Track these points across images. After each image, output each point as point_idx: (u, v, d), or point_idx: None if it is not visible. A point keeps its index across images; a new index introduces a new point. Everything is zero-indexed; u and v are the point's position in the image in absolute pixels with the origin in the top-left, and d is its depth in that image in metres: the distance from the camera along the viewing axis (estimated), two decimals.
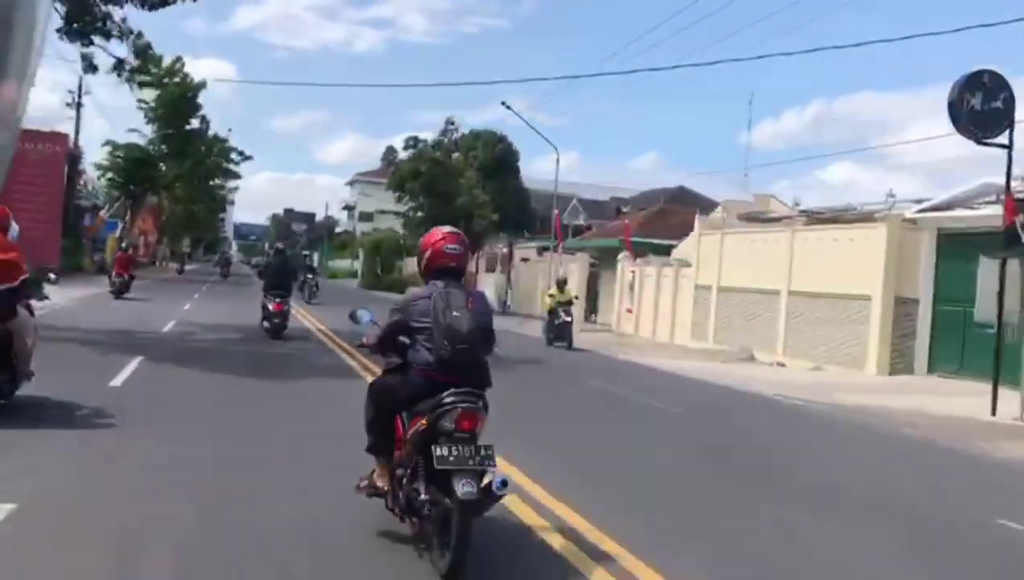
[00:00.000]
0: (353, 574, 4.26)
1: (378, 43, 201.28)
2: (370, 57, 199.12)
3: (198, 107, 47.35)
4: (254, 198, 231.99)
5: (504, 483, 4.07)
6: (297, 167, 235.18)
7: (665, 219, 33.44)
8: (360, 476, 4.84)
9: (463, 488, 3.88)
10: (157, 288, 31.97)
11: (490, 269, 41.48)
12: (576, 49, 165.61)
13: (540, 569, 4.50)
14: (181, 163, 48.13)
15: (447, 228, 4.76)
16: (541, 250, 37.04)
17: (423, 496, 4.13)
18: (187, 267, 61.82)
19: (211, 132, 49.70)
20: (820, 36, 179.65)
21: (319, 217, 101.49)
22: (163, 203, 61.37)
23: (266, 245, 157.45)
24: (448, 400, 4.14)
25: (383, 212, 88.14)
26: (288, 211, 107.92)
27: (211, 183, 56.37)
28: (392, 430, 4.54)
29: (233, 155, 52.67)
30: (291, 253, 34.75)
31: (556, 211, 32.88)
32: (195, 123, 47.81)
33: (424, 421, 4.18)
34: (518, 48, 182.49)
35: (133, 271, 27.22)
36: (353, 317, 5.20)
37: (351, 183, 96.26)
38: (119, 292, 24.82)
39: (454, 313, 4.25)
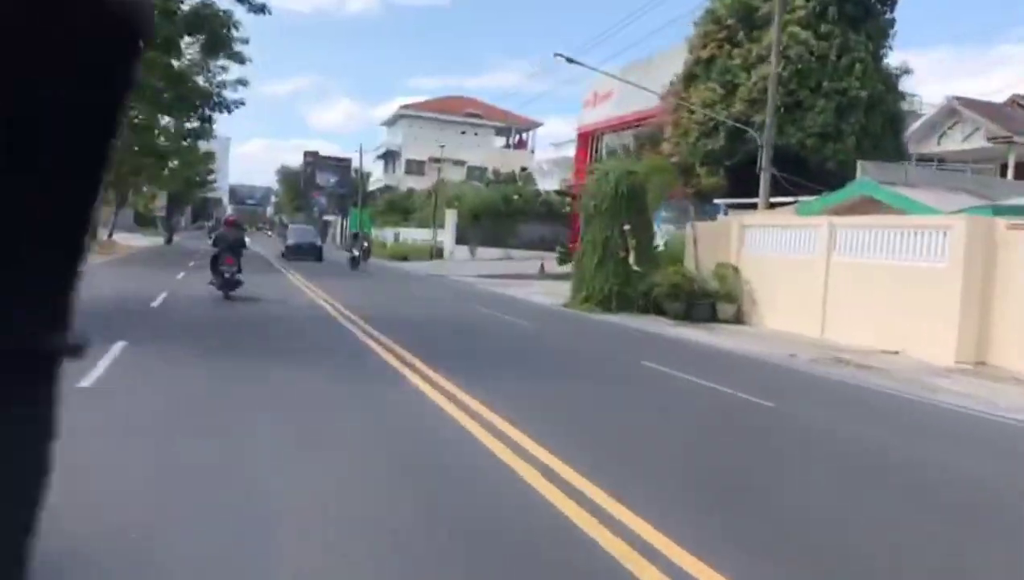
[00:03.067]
0: None
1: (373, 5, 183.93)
2: (363, 19, 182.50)
3: None
4: (246, 164, 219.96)
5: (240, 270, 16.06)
6: (291, 133, 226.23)
7: None
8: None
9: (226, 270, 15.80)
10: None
11: None
12: None
13: None
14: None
15: None
16: None
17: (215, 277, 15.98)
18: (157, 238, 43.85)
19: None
20: None
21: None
22: None
23: (268, 210, 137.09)
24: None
25: (438, 161, 70.43)
26: (312, 155, 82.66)
27: (192, 117, 33.38)
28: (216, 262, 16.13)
29: (225, 72, 31.07)
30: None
31: None
32: None
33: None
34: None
35: None
36: None
37: (393, 121, 77.75)
38: None
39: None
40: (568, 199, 47.14)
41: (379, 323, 12.57)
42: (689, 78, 23.76)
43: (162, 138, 39.63)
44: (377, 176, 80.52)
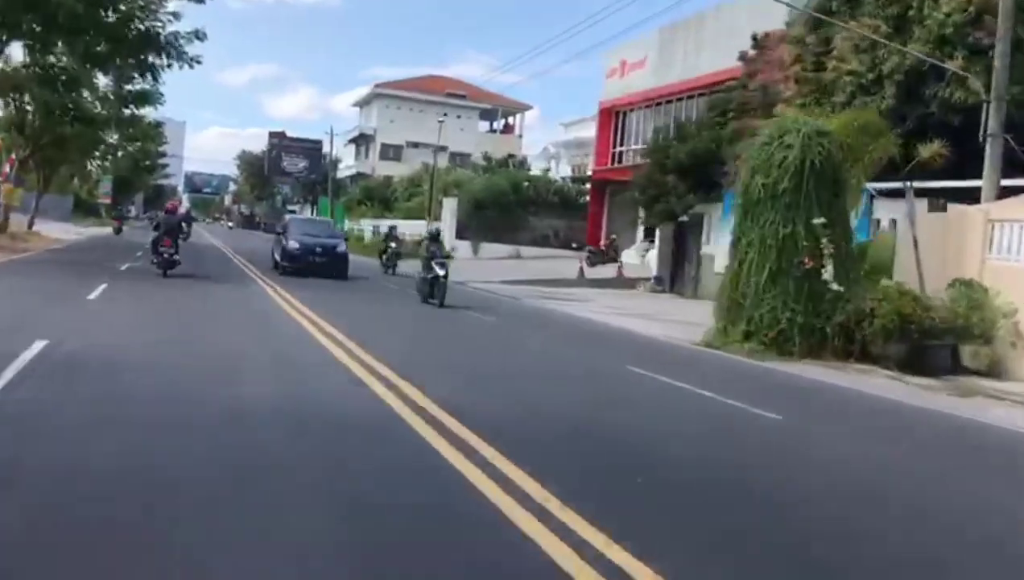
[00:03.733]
0: None
1: None
2: (324, 7, 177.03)
3: None
4: (203, 154, 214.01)
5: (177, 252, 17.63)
6: (249, 121, 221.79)
7: None
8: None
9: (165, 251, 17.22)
10: None
11: None
12: None
13: None
14: None
15: None
16: None
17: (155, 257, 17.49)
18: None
19: None
20: None
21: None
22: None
23: (226, 199, 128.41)
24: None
25: (417, 145, 63.30)
26: (278, 136, 72.21)
27: (132, 72, 24.96)
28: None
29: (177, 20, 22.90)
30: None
31: None
32: None
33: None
34: None
35: None
36: None
37: (367, 101, 69.97)
38: None
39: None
40: (586, 187, 40.51)
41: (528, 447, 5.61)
42: (816, 21, 16.98)
43: (97, 105, 31.76)
44: (348, 162, 72.80)
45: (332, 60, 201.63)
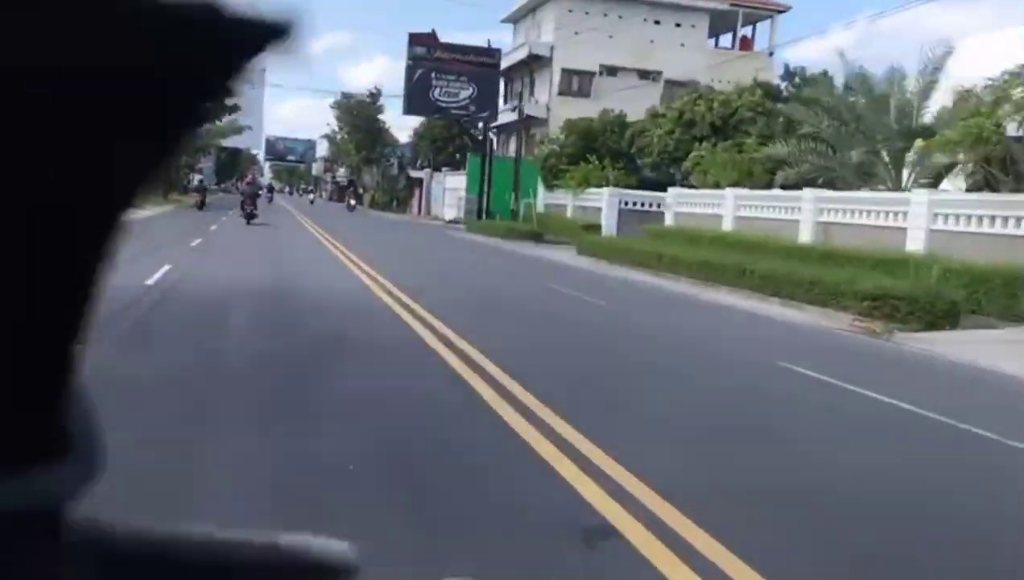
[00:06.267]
0: None
1: None
2: None
3: None
4: (287, 125, 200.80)
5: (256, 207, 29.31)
6: (329, 92, 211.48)
7: None
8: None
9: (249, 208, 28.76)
10: None
11: None
12: None
13: None
14: None
15: None
16: None
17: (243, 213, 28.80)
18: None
19: None
20: None
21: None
22: None
23: (314, 168, 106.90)
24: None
25: (614, 71, 40.45)
26: (426, 41, 42.77)
27: None
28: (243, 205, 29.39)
29: None
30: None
31: None
32: None
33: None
34: None
35: None
36: None
37: (531, 7, 46.41)
38: None
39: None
40: None
41: None
42: None
43: None
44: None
45: (405, 27, 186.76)
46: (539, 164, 33.10)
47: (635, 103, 35.17)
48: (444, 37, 45.21)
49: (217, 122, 45.12)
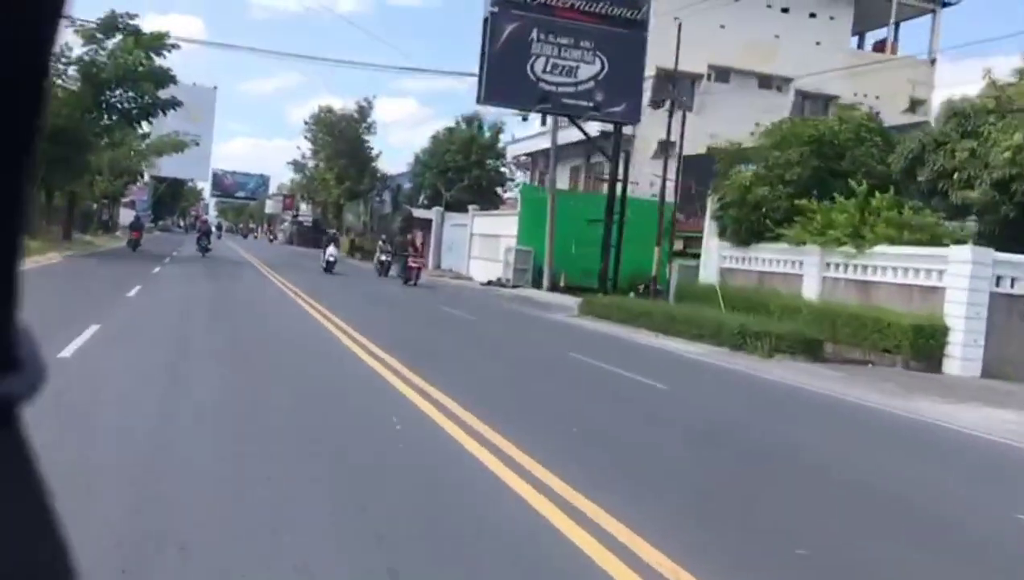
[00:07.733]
0: None
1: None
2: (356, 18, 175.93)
3: None
4: (230, 164, 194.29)
5: (210, 242, 34.58)
6: (275, 132, 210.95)
7: None
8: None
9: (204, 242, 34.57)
10: None
11: None
12: None
13: None
14: None
15: None
16: None
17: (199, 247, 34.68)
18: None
19: None
20: None
21: None
22: None
23: (267, 205, 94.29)
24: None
25: (727, 75, 29.29)
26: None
27: None
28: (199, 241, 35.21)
29: None
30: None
31: None
32: None
33: None
34: None
35: None
36: None
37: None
38: None
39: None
40: None
41: None
42: None
43: None
44: (533, 128, 38.97)
45: (359, 71, 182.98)
46: (717, 202, 20.65)
47: (747, 121, 23.20)
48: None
49: (154, 120, 32.10)
